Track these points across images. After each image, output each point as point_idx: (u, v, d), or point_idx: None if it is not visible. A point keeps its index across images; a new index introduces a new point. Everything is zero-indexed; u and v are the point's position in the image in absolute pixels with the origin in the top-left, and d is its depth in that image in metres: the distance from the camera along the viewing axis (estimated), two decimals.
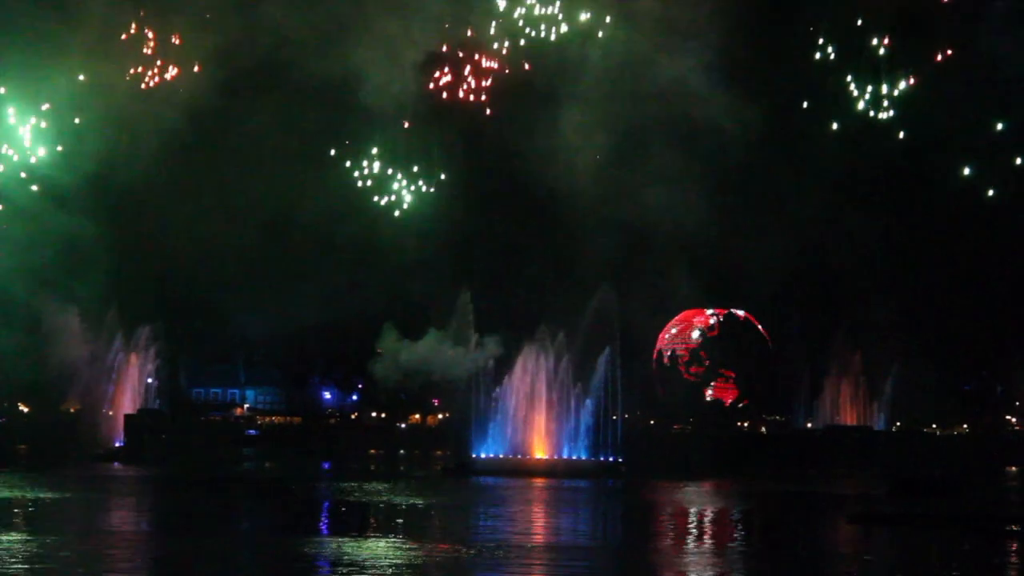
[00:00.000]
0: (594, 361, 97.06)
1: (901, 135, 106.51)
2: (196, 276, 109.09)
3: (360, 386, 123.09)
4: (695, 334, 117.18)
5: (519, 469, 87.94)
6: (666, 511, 53.10)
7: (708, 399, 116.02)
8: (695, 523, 46.69)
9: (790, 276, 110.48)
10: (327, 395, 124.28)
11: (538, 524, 46.09)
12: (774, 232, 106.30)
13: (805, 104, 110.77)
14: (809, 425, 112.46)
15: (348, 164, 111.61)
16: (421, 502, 54.77)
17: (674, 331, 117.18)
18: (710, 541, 39.75)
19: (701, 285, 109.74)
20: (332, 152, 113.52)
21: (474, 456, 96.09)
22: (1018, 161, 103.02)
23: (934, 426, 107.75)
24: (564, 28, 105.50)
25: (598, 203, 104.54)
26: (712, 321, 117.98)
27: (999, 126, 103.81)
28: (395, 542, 35.52)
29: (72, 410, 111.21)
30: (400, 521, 44.85)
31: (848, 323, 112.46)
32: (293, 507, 51.47)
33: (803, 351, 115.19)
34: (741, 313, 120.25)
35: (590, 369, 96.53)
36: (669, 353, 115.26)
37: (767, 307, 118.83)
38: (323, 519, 46.66)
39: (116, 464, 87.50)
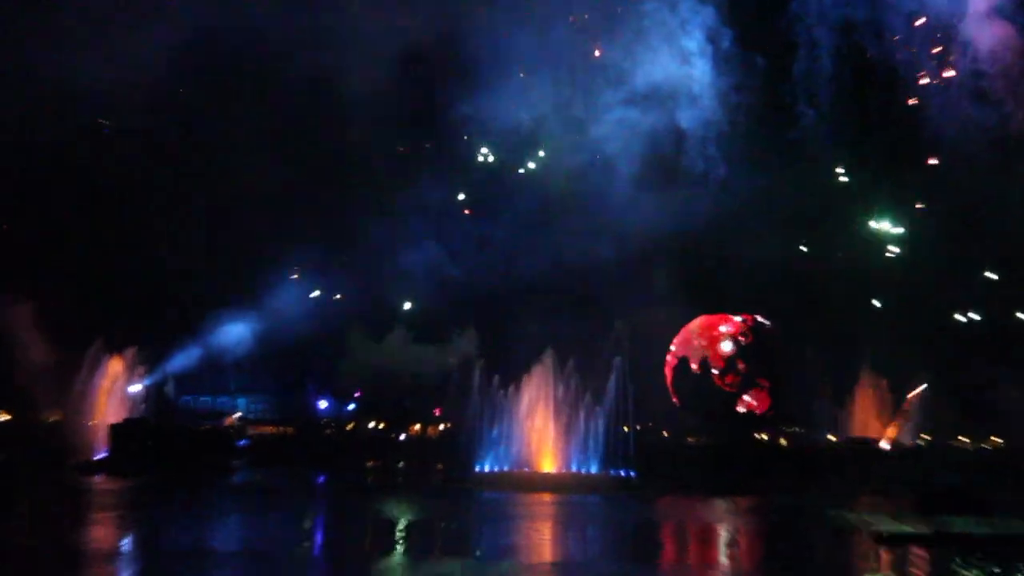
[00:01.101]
0: (603, 371, 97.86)
1: None
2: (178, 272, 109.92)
3: (357, 395, 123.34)
4: (727, 343, 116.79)
5: (525, 483, 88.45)
6: (690, 530, 53.58)
7: (742, 409, 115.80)
8: (718, 542, 47.14)
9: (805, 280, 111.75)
10: (323, 404, 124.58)
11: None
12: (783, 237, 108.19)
13: None
14: (832, 437, 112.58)
15: None
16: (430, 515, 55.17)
17: (701, 340, 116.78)
18: (732, 563, 40.27)
19: (699, 291, 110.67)
20: None
21: (477, 470, 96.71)
22: None
23: (963, 438, 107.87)
24: None
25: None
26: (743, 328, 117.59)
27: None
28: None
29: (53, 419, 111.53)
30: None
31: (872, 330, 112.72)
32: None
33: (822, 360, 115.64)
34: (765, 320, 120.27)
35: (600, 380, 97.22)
36: (700, 361, 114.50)
37: (781, 313, 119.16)
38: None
39: (99, 476, 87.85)
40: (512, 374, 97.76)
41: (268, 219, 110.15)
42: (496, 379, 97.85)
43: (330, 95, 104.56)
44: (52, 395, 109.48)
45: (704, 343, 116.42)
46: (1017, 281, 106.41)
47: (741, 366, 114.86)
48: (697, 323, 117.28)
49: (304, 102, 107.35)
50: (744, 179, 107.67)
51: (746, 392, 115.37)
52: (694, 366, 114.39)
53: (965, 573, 36.98)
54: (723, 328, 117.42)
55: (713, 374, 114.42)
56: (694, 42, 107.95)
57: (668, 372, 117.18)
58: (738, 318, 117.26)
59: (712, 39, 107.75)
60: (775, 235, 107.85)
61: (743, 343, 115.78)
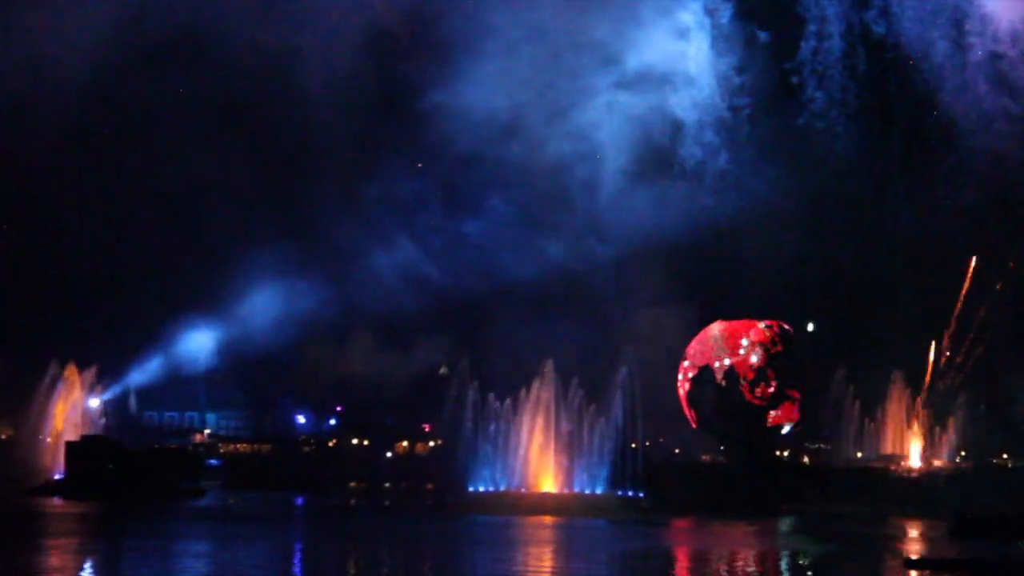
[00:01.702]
0: (605, 382, 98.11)
1: None
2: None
3: (339, 409, 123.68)
4: (756, 351, 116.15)
5: (524, 505, 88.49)
6: (707, 558, 53.54)
7: (770, 423, 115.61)
8: (729, 571, 47.17)
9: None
10: (301, 419, 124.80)
11: None
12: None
13: None
14: (859, 455, 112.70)
15: None
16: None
17: (725, 348, 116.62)
18: None
19: (707, 294, 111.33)
20: None
21: (471, 490, 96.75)
22: None
23: (1005, 456, 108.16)
24: None
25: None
26: (772, 335, 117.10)
27: None
28: None
29: (3, 436, 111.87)
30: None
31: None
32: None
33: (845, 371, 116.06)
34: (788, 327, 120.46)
35: (603, 392, 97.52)
36: (724, 372, 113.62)
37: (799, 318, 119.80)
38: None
39: (56, 499, 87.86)
40: (508, 385, 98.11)
41: (236, 223, 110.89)
42: (491, 392, 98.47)
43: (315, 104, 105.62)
44: (1, 409, 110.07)
45: (728, 351, 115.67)
46: None
47: (772, 377, 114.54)
48: (717, 329, 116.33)
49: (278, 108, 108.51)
50: (753, 175, 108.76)
51: (777, 405, 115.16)
52: (719, 377, 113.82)
53: None
54: (751, 335, 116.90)
55: (742, 386, 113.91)
56: None
57: (683, 384, 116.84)
58: (762, 324, 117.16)
59: None
60: (788, 234, 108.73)
61: (772, 352, 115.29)
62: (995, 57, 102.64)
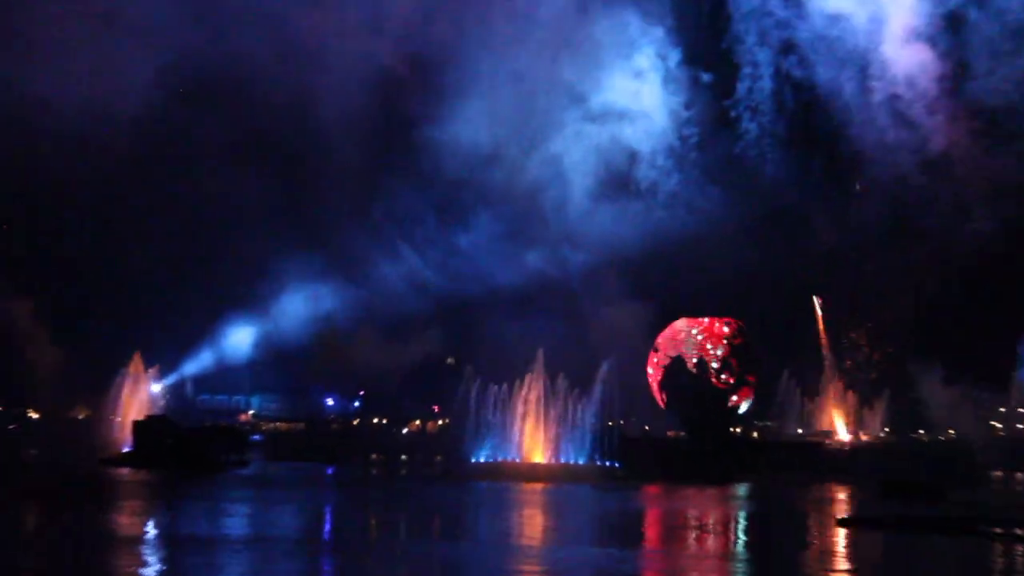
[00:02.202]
0: (586, 369, 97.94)
1: None
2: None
3: (361, 393, 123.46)
4: (722, 344, 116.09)
5: (518, 473, 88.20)
6: (673, 517, 53.47)
7: (731, 404, 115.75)
8: (699, 528, 47.01)
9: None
10: (329, 402, 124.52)
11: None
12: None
13: None
14: (799, 431, 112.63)
15: None
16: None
17: (694, 341, 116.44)
18: (709, 544, 40.19)
19: (667, 295, 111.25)
20: None
21: (473, 461, 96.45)
22: None
23: (921, 432, 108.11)
24: None
25: None
26: (728, 331, 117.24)
27: None
28: None
29: (81, 416, 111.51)
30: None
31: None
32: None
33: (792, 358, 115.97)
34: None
35: (584, 378, 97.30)
36: (695, 360, 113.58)
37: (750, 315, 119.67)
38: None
39: (125, 468, 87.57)
40: (505, 373, 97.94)
41: (268, 238, 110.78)
42: (483, 377, 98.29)
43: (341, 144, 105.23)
44: (78, 394, 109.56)
45: (698, 344, 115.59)
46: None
47: (736, 364, 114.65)
48: (683, 325, 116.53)
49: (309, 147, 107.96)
50: (699, 194, 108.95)
51: (737, 390, 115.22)
52: (691, 366, 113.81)
53: (915, 551, 37.22)
54: (715, 330, 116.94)
55: (710, 373, 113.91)
56: None
57: (654, 370, 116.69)
58: (720, 322, 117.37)
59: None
60: (730, 243, 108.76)
61: (735, 344, 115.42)
62: (894, 97, 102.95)
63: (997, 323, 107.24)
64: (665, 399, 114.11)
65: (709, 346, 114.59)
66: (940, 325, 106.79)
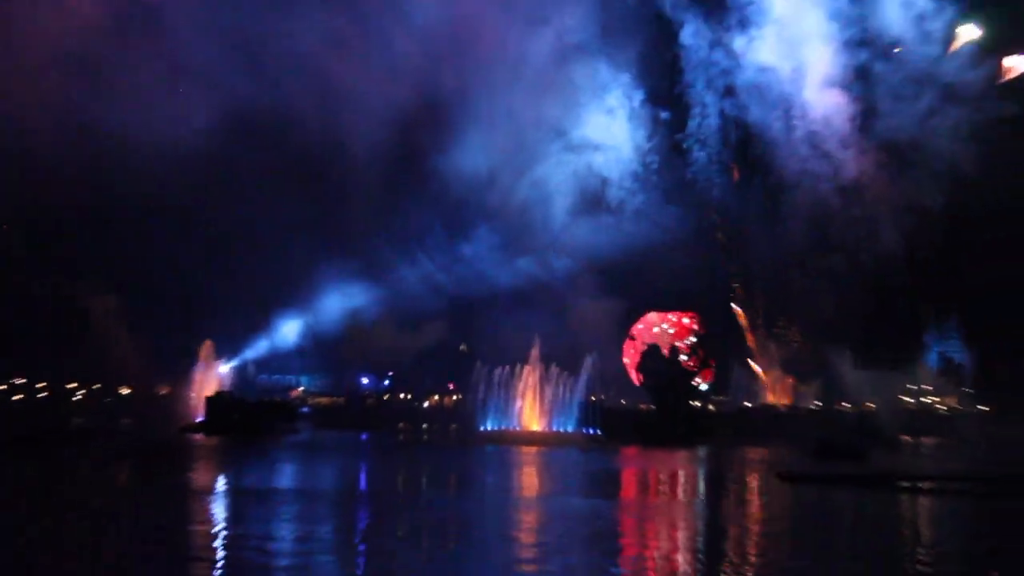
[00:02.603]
0: (573, 353, 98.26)
1: None
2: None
3: (391, 373, 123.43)
4: (692, 334, 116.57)
5: (518, 439, 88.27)
6: (645, 472, 53.56)
7: (695, 384, 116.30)
8: (666, 481, 47.17)
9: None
10: (365, 380, 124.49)
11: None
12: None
13: None
14: (748, 404, 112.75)
15: None
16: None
17: (667, 330, 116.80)
18: (674, 494, 40.34)
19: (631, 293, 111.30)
20: None
21: (481, 429, 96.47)
22: None
23: (846, 404, 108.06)
24: None
25: None
26: (689, 323, 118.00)
27: None
28: None
29: (163, 392, 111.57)
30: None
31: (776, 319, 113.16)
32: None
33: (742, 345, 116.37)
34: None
35: (572, 361, 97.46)
36: (669, 348, 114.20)
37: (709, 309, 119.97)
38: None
39: (198, 435, 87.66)
40: (506, 357, 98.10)
41: (312, 247, 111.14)
42: (484, 360, 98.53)
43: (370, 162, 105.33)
44: (161, 374, 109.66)
45: (671, 333, 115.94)
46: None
47: (701, 352, 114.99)
48: (655, 318, 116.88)
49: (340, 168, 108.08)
50: (659, 210, 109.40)
51: (700, 372, 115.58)
52: (665, 352, 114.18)
53: (841, 499, 37.41)
54: (684, 323, 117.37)
55: (682, 358, 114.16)
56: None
57: (631, 354, 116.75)
58: (686, 315, 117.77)
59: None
60: (685, 251, 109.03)
61: (700, 334, 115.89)
62: (813, 134, 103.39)
63: (905, 318, 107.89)
64: (641, 379, 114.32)
65: (676, 336, 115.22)
66: (854, 321, 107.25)
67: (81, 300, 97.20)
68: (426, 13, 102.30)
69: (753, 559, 22.92)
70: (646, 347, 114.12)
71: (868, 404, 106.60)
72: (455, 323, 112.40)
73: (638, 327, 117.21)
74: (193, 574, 18.95)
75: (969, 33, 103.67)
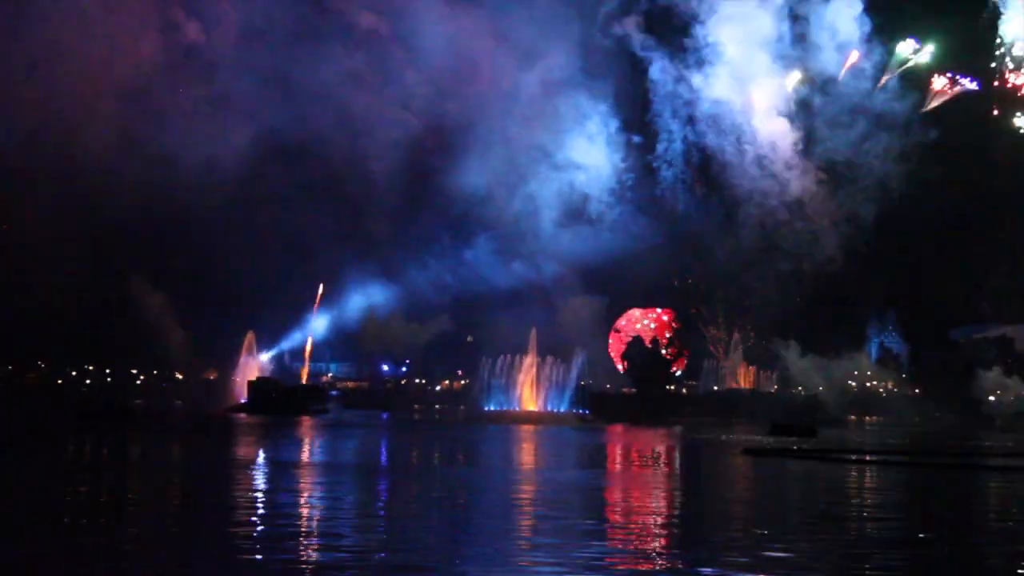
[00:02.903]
0: (563, 342, 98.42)
1: None
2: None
3: (408, 361, 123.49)
4: (669, 328, 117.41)
5: (517, 418, 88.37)
6: (628, 447, 53.55)
7: (672, 370, 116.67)
8: (646, 454, 47.19)
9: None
10: (385, 367, 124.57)
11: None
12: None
13: None
14: (715, 388, 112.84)
15: None
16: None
17: (649, 324, 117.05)
18: (653, 466, 40.35)
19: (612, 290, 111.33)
20: None
21: (486, 409, 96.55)
22: None
23: (800, 389, 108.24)
24: None
25: None
26: (667, 318, 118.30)
27: None
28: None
29: (211, 377, 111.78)
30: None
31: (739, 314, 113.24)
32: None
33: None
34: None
35: (563, 349, 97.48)
36: (651, 340, 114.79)
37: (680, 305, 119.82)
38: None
39: (242, 414, 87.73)
40: (507, 347, 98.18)
41: (339, 253, 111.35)
42: (496, 350, 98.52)
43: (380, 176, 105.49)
44: (209, 362, 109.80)
45: (652, 327, 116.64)
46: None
47: (677, 343, 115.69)
48: (637, 314, 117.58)
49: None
50: (633, 222, 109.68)
51: (676, 360, 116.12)
52: (648, 343, 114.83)
53: (796, 470, 37.53)
54: (662, 318, 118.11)
55: (663, 349, 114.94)
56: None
57: (617, 344, 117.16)
58: (664, 312, 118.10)
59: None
60: (657, 256, 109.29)
61: (676, 327, 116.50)
62: (761, 156, 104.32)
63: (849, 314, 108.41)
64: (626, 366, 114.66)
65: (656, 330, 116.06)
66: (799, 316, 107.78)
67: (135, 298, 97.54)
68: (433, 53, 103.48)
69: (724, 517, 22.81)
70: (631, 339, 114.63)
71: (818, 388, 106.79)
72: (459, 318, 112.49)
73: (622, 322, 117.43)
74: (238, 532, 18.79)
75: (906, 51, 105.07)
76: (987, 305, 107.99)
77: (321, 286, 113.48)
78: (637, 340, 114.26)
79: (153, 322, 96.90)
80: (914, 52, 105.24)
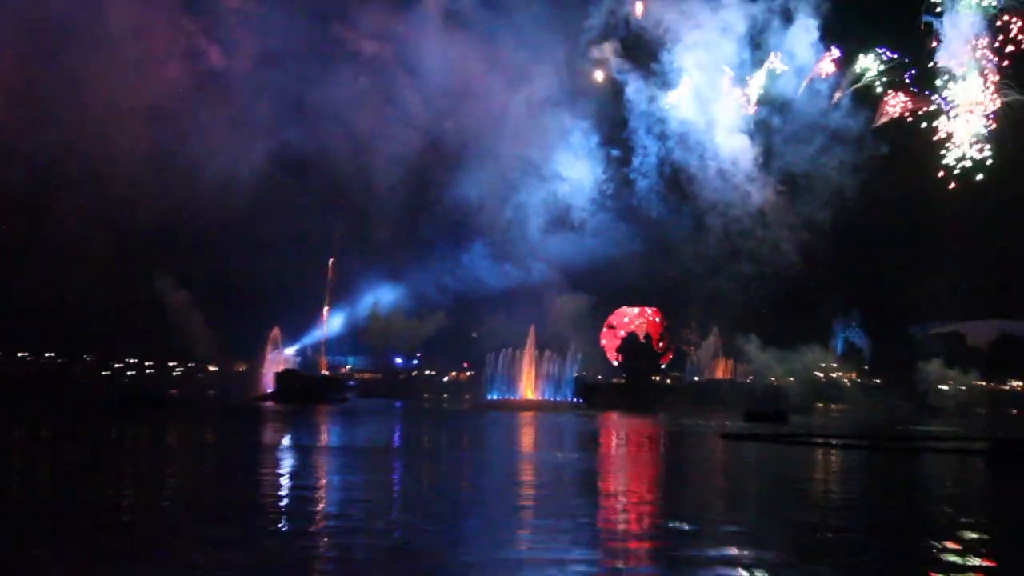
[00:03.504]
0: (559, 337, 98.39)
1: None
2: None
3: (419, 355, 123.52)
4: (658, 325, 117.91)
5: (517, 406, 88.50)
6: (619, 432, 53.62)
7: (661, 363, 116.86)
8: (635, 438, 47.28)
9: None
10: (398, 360, 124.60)
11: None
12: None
13: None
14: (696, 379, 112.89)
15: None
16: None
17: (641, 322, 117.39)
18: (626, 449, 40.43)
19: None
20: None
21: (489, 398, 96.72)
22: None
23: (772, 379, 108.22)
24: None
25: None
26: (654, 315, 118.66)
27: None
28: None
29: (241, 369, 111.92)
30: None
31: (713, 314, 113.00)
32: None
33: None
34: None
35: (559, 344, 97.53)
36: (644, 334, 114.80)
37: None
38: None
39: (269, 402, 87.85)
40: (507, 342, 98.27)
41: (352, 258, 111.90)
42: (497, 344, 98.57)
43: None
44: (240, 355, 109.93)
45: (648, 323, 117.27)
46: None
47: (666, 338, 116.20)
48: (628, 311, 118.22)
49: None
50: (613, 228, 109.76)
51: (665, 354, 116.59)
52: (641, 338, 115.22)
53: (769, 452, 37.65)
54: (649, 316, 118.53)
55: (653, 343, 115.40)
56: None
57: (611, 339, 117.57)
58: (652, 311, 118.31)
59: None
60: (635, 258, 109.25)
61: (665, 324, 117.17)
62: (723, 171, 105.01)
63: (815, 311, 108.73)
64: (621, 359, 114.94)
65: (648, 326, 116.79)
66: (760, 313, 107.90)
67: (160, 296, 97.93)
68: (432, 76, 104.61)
69: (704, 492, 22.94)
70: (626, 334, 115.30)
71: (788, 379, 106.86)
72: (455, 315, 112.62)
73: (616, 319, 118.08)
74: (263, 506, 18.90)
75: (858, 72, 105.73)
76: (929, 304, 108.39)
77: (331, 260, 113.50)
78: (632, 336, 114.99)
79: (177, 317, 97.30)
80: (865, 72, 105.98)
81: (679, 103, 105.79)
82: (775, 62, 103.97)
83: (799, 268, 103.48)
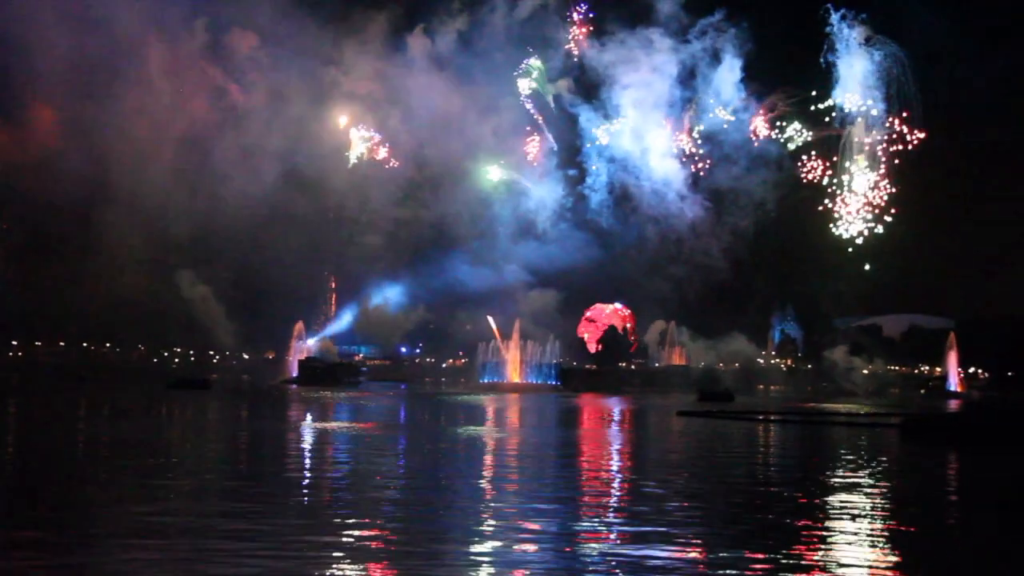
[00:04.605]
0: (540, 328, 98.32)
1: None
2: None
3: (421, 344, 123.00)
4: (630, 319, 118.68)
5: (505, 388, 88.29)
6: (592, 410, 53.54)
7: (632, 351, 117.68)
8: (605, 415, 47.19)
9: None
10: (403, 349, 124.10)
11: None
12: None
13: None
14: (657, 364, 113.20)
15: None
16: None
17: (617, 316, 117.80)
18: (600, 425, 40.37)
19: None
20: None
21: (481, 381, 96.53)
22: None
23: (721, 364, 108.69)
24: None
25: None
26: (625, 310, 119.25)
27: None
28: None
29: (270, 356, 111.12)
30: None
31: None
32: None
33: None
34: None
35: (540, 334, 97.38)
36: (622, 327, 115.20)
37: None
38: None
39: (294, 386, 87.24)
40: (486, 334, 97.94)
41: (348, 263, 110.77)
42: (488, 337, 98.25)
43: None
44: (268, 344, 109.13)
45: (621, 318, 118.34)
46: None
47: (634, 331, 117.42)
48: (604, 307, 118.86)
49: None
50: (572, 237, 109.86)
51: (634, 343, 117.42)
52: (619, 330, 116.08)
53: (719, 427, 37.71)
54: (620, 311, 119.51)
55: (627, 334, 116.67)
56: None
57: (591, 331, 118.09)
58: (622, 307, 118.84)
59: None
60: (591, 264, 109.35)
61: (632, 319, 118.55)
62: (656, 191, 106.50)
63: (753, 305, 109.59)
64: (600, 348, 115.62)
65: (621, 320, 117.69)
66: (692, 307, 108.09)
67: (184, 292, 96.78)
68: (416, 110, 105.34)
69: (664, 458, 22.87)
70: (608, 327, 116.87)
71: (733, 365, 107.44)
72: (434, 309, 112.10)
73: (594, 313, 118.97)
74: (288, 471, 18.64)
75: (774, 106, 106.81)
76: (829, 303, 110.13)
77: (333, 280, 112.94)
78: (612, 328, 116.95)
79: (200, 311, 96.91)
80: (780, 106, 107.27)
81: (618, 133, 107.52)
82: (704, 96, 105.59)
83: (726, 272, 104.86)
